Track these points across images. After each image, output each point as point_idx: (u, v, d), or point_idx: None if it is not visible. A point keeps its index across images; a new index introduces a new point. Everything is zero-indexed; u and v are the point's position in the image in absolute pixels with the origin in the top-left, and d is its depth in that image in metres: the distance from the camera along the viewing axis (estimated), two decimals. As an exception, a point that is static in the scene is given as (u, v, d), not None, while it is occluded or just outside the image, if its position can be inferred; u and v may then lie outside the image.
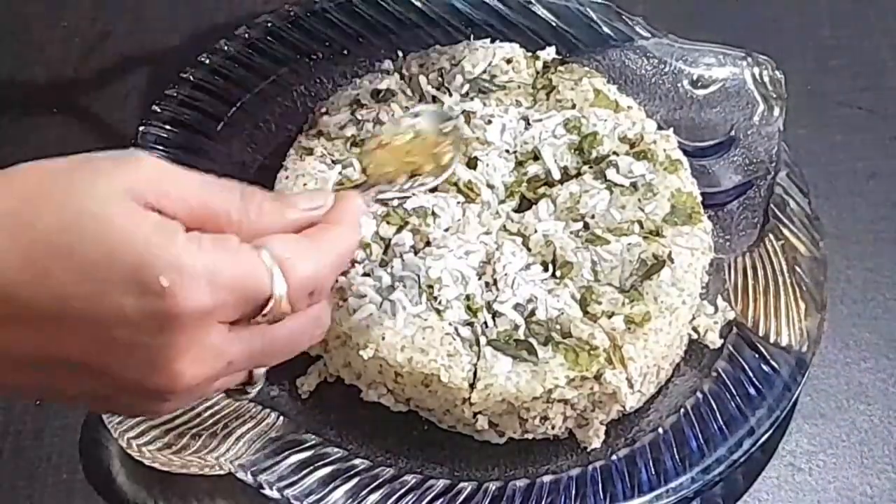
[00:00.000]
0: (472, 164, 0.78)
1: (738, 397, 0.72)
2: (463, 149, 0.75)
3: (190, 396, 0.53)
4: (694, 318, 0.75)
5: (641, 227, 0.75)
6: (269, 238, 0.53)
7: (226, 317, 0.51)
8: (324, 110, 0.80)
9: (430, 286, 0.71)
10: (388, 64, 0.84)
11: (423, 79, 0.81)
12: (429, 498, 0.68)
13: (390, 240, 0.74)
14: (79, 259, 0.48)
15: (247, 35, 0.86)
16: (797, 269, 0.76)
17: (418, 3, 0.87)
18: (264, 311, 0.52)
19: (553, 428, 0.71)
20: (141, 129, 0.80)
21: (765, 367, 0.73)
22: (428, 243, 0.74)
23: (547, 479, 0.70)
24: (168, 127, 0.81)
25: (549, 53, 0.84)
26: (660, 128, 0.80)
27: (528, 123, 0.80)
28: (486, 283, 0.73)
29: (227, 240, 0.52)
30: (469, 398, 0.69)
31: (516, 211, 0.77)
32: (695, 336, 0.75)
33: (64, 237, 0.48)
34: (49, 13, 0.95)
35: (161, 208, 0.50)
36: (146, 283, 0.48)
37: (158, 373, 0.50)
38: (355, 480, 0.68)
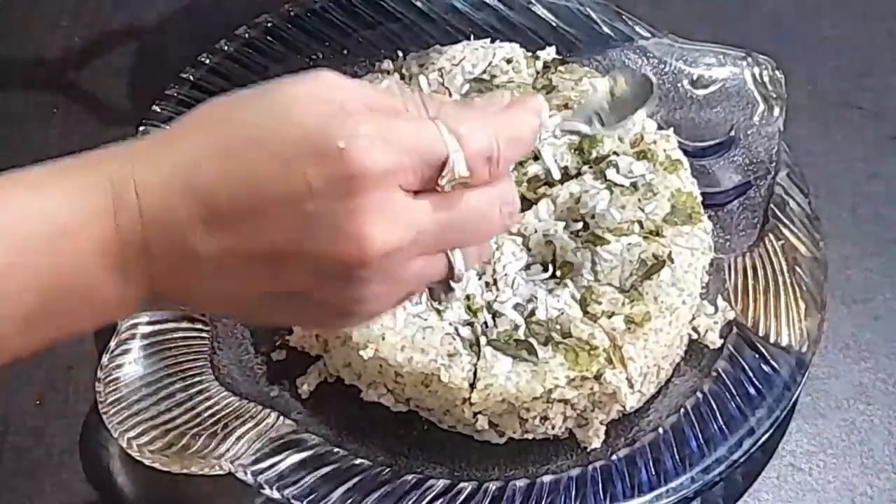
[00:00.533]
0: None
1: (738, 397, 0.72)
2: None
3: (387, 276, 0.53)
4: (694, 318, 0.75)
5: (641, 227, 0.75)
6: (443, 108, 0.54)
7: (406, 179, 0.51)
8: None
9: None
10: (388, 64, 0.84)
11: (423, 79, 0.81)
12: (429, 498, 0.68)
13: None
14: (269, 145, 0.50)
15: (247, 35, 0.86)
16: (797, 269, 0.76)
17: (418, 3, 0.87)
18: (443, 173, 0.52)
19: (553, 428, 0.71)
20: (141, 128, 0.80)
21: (765, 367, 0.73)
22: None
23: (547, 479, 0.70)
24: (168, 127, 0.81)
25: (549, 53, 0.84)
26: (660, 128, 0.80)
27: (528, 123, 0.80)
28: (486, 283, 0.73)
29: (402, 109, 0.53)
30: (469, 398, 0.69)
31: None
32: (695, 336, 0.75)
33: (256, 129, 0.51)
34: (49, 13, 0.95)
35: (338, 99, 0.52)
36: (325, 149, 0.50)
37: (348, 239, 0.51)
38: (355, 480, 0.68)
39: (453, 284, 0.56)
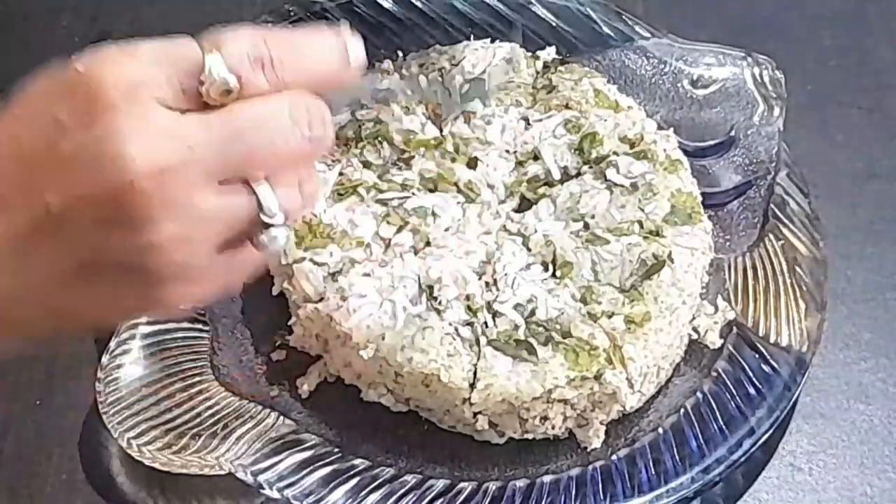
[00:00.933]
0: (472, 163, 0.78)
1: (738, 397, 0.72)
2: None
3: (174, 205, 0.47)
4: (694, 318, 0.75)
5: (641, 227, 0.75)
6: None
7: (161, 92, 0.47)
8: (324, 110, 0.80)
9: (430, 286, 0.72)
10: (388, 64, 0.84)
11: (422, 79, 0.81)
12: (429, 498, 0.68)
13: (390, 240, 0.74)
14: (25, 105, 0.49)
15: (246, 35, 0.86)
16: (797, 269, 0.76)
17: (418, 3, 0.87)
18: (202, 78, 0.48)
19: (553, 428, 0.71)
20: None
21: (765, 367, 0.73)
22: (428, 243, 0.74)
23: (547, 479, 0.70)
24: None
25: (549, 53, 0.84)
26: (660, 128, 0.81)
27: (528, 123, 0.80)
28: (486, 283, 0.73)
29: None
30: (469, 398, 0.69)
31: (516, 211, 0.77)
32: (695, 336, 0.75)
33: (17, 103, 0.49)
34: (49, 13, 0.95)
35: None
36: (65, 78, 0.47)
37: (107, 165, 0.46)
38: (355, 480, 0.68)
39: (270, 223, 0.50)
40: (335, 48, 0.51)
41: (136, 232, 0.47)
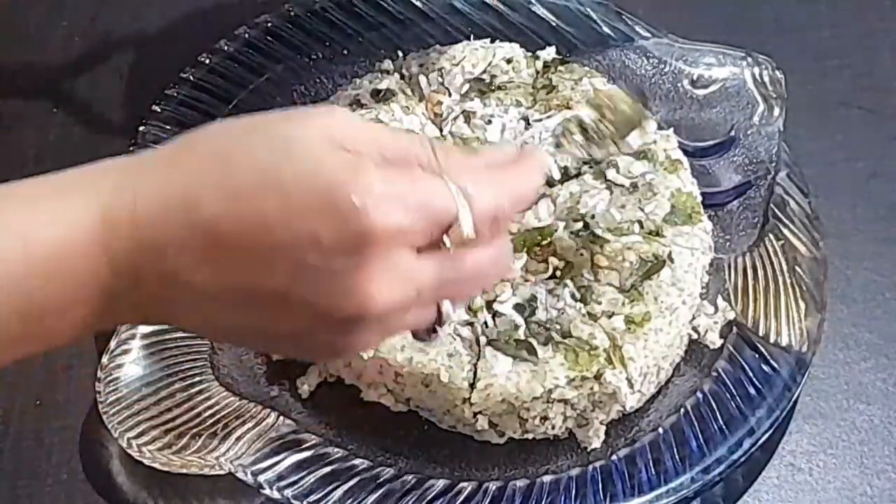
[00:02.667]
0: None
1: (738, 397, 0.72)
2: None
3: (381, 327, 0.53)
4: (694, 318, 0.75)
5: (641, 226, 0.75)
6: (453, 166, 0.54)
7: (415, 239, 0.52)
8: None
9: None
10: (388, 64, 0.84)
11: (423, 79, 0.81)
12: (429, 498, 0.68)
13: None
14: (279, 190, 0.50)
15: (247, 35, 0.86)
16: (797, 269, 0.76)
17: (418, 3, 0.87)
18: (449, 233, 0.52)
19: (553, 428, 0.71)
20: (141, 129, 0.80)
21: (765, 367, 0.73)
22: None
23: (547, 479, 0.70)
24: (168, 127, 0.81)
25: (549, 53, 0.84)
26: (660, 128, 0.81)
27: (528, 123, 0.80)
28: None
29: (415, 168, 0.53)
30: (469, 398, 0.69)
31: None
32: (695, 336, 0.75)
33: (267, 173, 0.50)
34: (49, 13, 0.95)
35: (353, 149, 0.51)
36: (338, 204, 0.50)
37: (351, 296, 0.51)
38: (355, 480, 0.68)
39: (438, 328, 0.56)
40: (539, 187, 0.58)
41: (345, 336, 0.53)
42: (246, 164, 0.51)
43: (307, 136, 0.51)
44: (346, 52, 0.86)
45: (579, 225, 0.75)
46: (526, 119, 0.80)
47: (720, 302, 0.76)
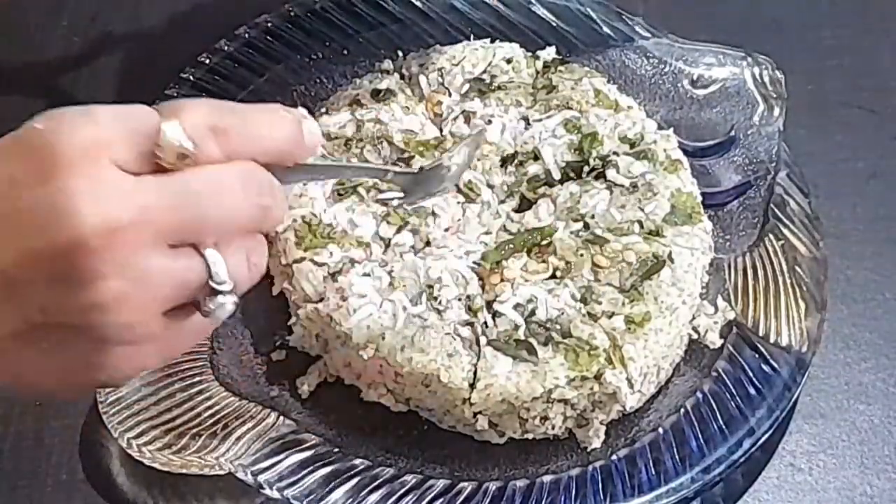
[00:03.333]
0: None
1: (738, 397, 0.72)
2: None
3: (123, 265, 0.47)
4: (694, 318, 0.75)
5: (641, 227, 0.75)
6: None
7: (117, 153, 0.48)
8: (324, 110, 0.80)
9: (430, 286, 0.72)
10: (388, 64, 0.84)
11: (422, 79, 0.82)
12: (429, 498, 0.68)
13: (390, 240, 0.74)
14: None
15: (247, 35, 0.86)
16: (797, 268, 0.76)
17: (418, 3, 0.87)
18: (158, 143, 0.48)
19: (553, 428, 0.71)
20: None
21: (765, 367, 0.73)
22: (428, 243, 0.74)
23: (547, 479, 0.70)
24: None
25: (549, 53, 0.84)
26: (660, 128, 0.81)
27: (528, 123, 0.80)
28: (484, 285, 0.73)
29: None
30: (469, 398, 0.69)
31: (516, 211, 0.77)
32: (695, 336, 0.75)
33: None
34: (49, 13, 0.95)
35: None
36: (21, 135, 0.47)
37: (59, 221, 0.46)
38: (355, 480, 0.68)
39: (218, 289, 0.51)
40: (288, 126, 0.53)
41: (84, 290, 0.47)
42: None
43: None
44: (346, 52, 0.87)
45: (579, 225, 0.75)
46: (526, 119, 0.80)
47: (720, 302, 0.76)
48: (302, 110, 0.55)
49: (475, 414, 0.70)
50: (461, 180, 0.76)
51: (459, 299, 0.72)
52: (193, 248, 0.50)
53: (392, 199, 0.64)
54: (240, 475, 0.67)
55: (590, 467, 0.70)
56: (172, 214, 0.48)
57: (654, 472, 0.69)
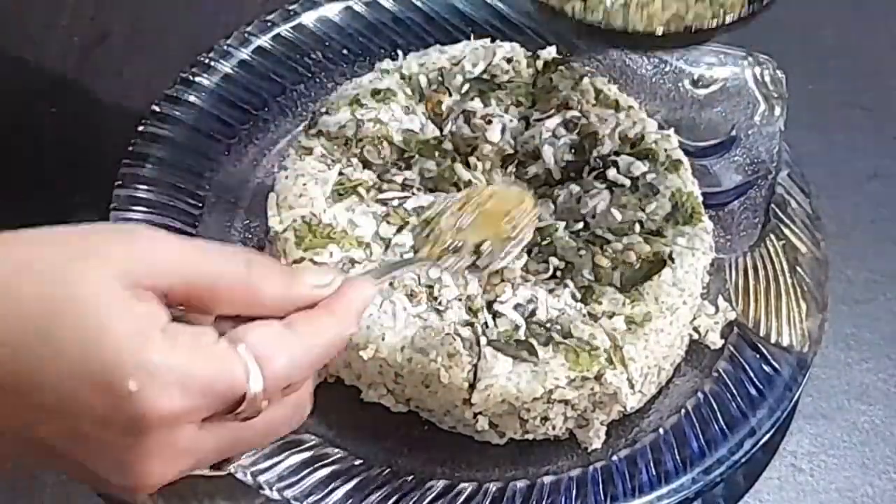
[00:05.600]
0: (471, 164, 0.78)
1: (739, 398, 0.72)
2: (535, 220, 0.70)
3: (159, 486, 0.51)
4: (695, 319, 0.75)
5: (642, 227, 0.75)
6: (249, 330, 0.51)
7: (197, 417, 0.49)
8: (324, 110, 0.80)
9: (430, 286, 0.72)
10: (388, 64, 0.84)
11: (423, 78, 0.81)
12: (429, 498, 0.68)
13: (390, 240, 0.74)
14: (56, 345, 0.47)
15: (247, 35, 0.86)
16: (798, 269, 0.77)
17: (418, 3, 0.88)
18: (238, 410, 0.50)
19: (553, 428, 0.72)
20: (141, 128, 0.80)
21: (766, 368, 0.73)
22: None
23: (547, 479, 0.70)
24: (167, 126, 0.81)
25: (549, 53, 0.84)
26: (661, 127, 0.81)
27: (529, 123, 0.80)
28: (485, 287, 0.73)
29: (204, 335, 0.50)
30: (469, 399, 0.69)
31: None
32: (696, 336, 0.75)
33: (45, 317, 0.47)
34: (49, 13, 0.95)
35: (152, 282, 0.49)
36: (115, 384, 0.47)
37: (126, 473, 0.49)
38: (355, 481, 0.68)
39: (224, 468, 0.54)
40: (347, 338, 0.54)
41: (126, 494, 0.50)
42: (28, 301, 0.47)
43: (100, 279, 0.48)
44: (346, 51, 0.87)
45: (580, 225, 0.75)
46: (526, 119, 0.81)
47: (721, 302, 0.76)
48: (372, 293, 0.55)
49: (475, 414, 0.70)
50: (463, 177, 0.77)
51: (459, 299, 0.72)
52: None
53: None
54: (239, 476, 0.67)
55: (590, 468, 0.70)
56: (221, 455, 0.51)
57: (654, 473, 0.69)
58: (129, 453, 0.48)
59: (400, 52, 0.84)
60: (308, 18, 0.87)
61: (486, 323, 0.71)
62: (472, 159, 0.78)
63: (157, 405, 0.47)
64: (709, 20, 0.67)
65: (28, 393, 0.47)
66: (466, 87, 0.81)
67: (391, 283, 0.71)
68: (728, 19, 0.66)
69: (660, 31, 0.67)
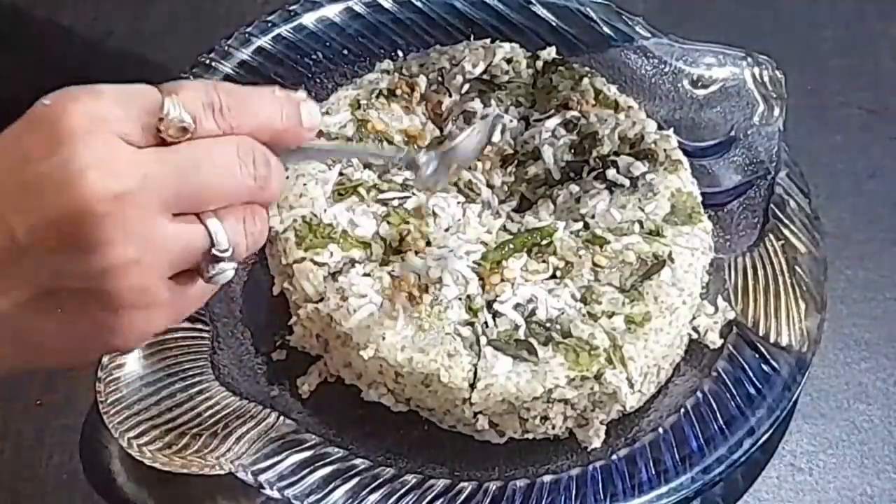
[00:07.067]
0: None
1: (738, 397, 0.72)
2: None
3: (130, 231, 0.51)
4: (694, 318, 0.75)
5: (641, 226, 0.75)
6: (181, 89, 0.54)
7: (123, 127, 0.51)
8: (324, 110, 0.80)
9: (430, 286, 0.72)
10: (388, 64, 0.84)
11: (423, 79, 0.82)
12: (429, 498, 0.68)
13: (390, 240, 0.74)
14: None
15: (247, 35, 0.86)
16: (797, 268, 0.76)
17: (418, 3, 0.88)
18: (161, 118, 0.52)
19: (553, 428, 0.72)
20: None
21: (765, 367, 0.73)
22: (428, 243, 0.74)
23: (547, 478, 0.70)
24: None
25: (549, 53, 0.84)
26: (660, 128, 0.81)
27: (529, 123, 0.81)
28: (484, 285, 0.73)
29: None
30: (469, 398, 0.70)
31: (516, 211, 0.78)
32: (695, 336, 0.75)
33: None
34: (50, 13, 0.95)
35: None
36: (32, 113, 0.51)
37: (67, 188, 0.49)
38: (355, 480, 0.69)
39: (219, 256, 0.54)
40: (286, 106, 0.56)
41: (94, 255, 0.50)
42: None
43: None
44: (346, 51, 0.87)
45: (579, 225, 0.75)
46: (526, 119, 0.81)
47: (720, 302, 0.76)
48: (302, 93, 0.58)
49: (475, 414, 0.71)
50: (463, 177, 0.78)
51: (460, 299, 0.72)
52: (196, 216, 0.53)
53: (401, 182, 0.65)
54: (240, 475, 0.67)
55: (590, 467, 0.70)
56: (174, 182, 0.52)
57: (654, 472, 0.69)
58: (64, 169, 0.49)
59: (400, 53, 0.85)
60: (308, 19, 0.87)
61: (486, 322, 0.71)
62: (472, 159, 0.78)
63: (71, 106, 0.50)
64: None
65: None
66: (466, 87, 0.81)
67: (393, 280, 0.72)
68: None
69: None
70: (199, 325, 0.75)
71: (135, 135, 0.51)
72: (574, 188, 0.77)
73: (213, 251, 0.54)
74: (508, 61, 0.83)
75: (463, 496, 0.69)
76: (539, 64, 0.84)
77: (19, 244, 0.51)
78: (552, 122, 0.80)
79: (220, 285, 0.56)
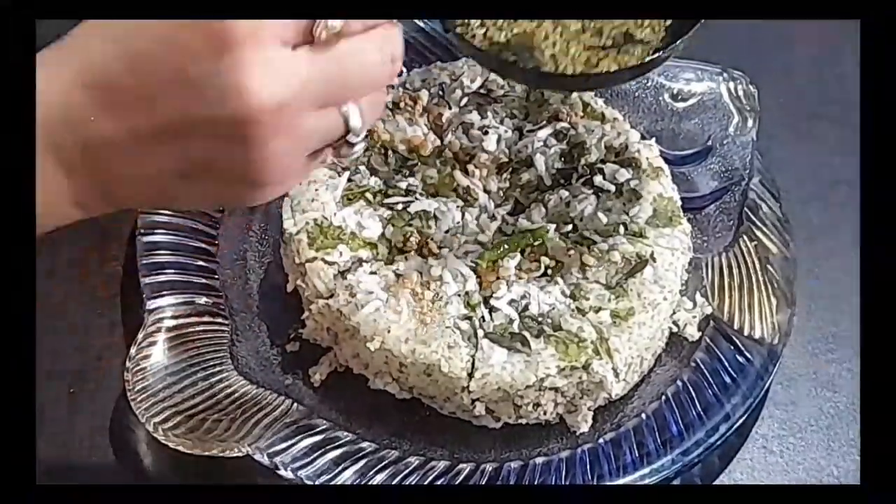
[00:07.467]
0: (469, 171, 0.79)
1: (714, 385, 0.73)
2: None
3: (286, 132, 0.52)
4: (674, 313, 0.76)
5: (626, 229, 0.76)
6: None
7: (282, 32, 0.51)
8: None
9: (432, 283, 0.73)
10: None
11: (425, 92, 0.82)
12: (430, 478, 0.70)
13: (395, 241, 0.75)
14: (156, 29, 0.51)
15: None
16: (769, 267, 0.78)
17: (421, 24, 0.88)
18: (316, 27, 0.51)
19: (545, 413, 0.73)
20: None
21: (739, 358, 0.74)
22: (430, 244, 0.75)
23: (539, 460, 0.71)
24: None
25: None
26: (643, 137, 0.82)
27: (522, 134, 0.81)
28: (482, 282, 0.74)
29: None
30: (467, 386, 0.71)
31: (511, 214, 0.78)
32: (675, 329, 0.77)
33: (147, 26, 0.51)
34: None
35: None
36: (201, 22, 0.50)
37: (234, 94, 0.50)
38: (363, 462, 0.70)
39: (352, 140, 0.55)
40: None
41: (248, 149, 0.52)
42: (146, 33, 0.51)
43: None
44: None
45: (569, 227, 0.76)
46: (519, 130, 0.82)
47: (698, 298, 0.77)
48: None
49: (473, 401, 0.72)
50: (462, 184, 0.78)
51: (459, 295, 0.72)
52: (337, 105, 0.54)
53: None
54: (257, 457, 0.68)
55: (578, 450, 0.71)
56: (326, 84, 0.53)
57: (637, 455, 0.71)
58: (231, 74, 0.50)
59: (404, 69, 0.81)
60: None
61: (483, 317, 0.72)
62: (470, 167, 0.79)
63: (237, 22, 0.50)
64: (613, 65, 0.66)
65: (141, 78, 0.51)
66: (465, 100, 0.82)
67: (397, 278, 0.72)
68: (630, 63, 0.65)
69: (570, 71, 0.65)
70: (220, 320, 0.76)
71: (291, 38, 0.51)
72: (564, 193, 0.77)
73: (348, 138, 0.55)
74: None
75: (461, 476, 0.70)
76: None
77: (176, 129, 0.51)
78: (544, 133, 0.80)
79: (350, 158, 0.57)
